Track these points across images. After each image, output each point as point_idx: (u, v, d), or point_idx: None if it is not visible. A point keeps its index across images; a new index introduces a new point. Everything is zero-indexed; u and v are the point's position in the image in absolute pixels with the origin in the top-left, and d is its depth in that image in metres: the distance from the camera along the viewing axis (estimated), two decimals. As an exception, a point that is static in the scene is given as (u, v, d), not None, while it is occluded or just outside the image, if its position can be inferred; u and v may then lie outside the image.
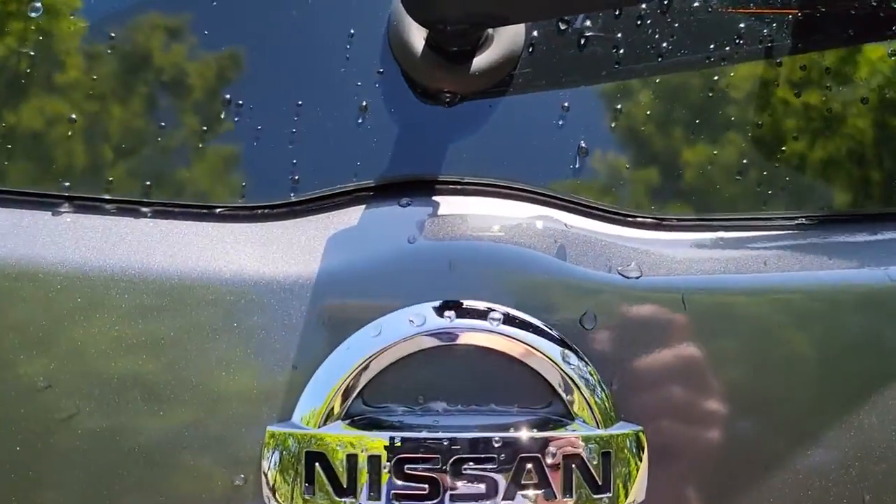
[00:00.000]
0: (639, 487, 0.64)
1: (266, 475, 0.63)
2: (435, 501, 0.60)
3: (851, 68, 0.76)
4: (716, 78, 0.73)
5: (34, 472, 0.64)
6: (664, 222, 0.72)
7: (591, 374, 0.65)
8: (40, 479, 0.64)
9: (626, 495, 0.63)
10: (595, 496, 0.62)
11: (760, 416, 0.67)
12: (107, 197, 0.70)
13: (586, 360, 0.65)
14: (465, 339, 0.64)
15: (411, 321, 0.64)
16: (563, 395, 0.64)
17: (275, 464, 0.62)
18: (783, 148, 0.74)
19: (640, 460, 0.64)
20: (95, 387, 0.64)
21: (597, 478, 0.62)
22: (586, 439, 0.62)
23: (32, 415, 0.64)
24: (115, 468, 0.64)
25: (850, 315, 0.70)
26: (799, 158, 0.74)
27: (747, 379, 0.67)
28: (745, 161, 0.73)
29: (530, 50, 0.71)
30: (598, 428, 0.64)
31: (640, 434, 0.64)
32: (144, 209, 0.69)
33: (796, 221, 0.74)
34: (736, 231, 0.72)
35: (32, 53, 0.71)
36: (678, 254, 0.70)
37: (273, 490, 0.62)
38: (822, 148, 0.75)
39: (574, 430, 0.63)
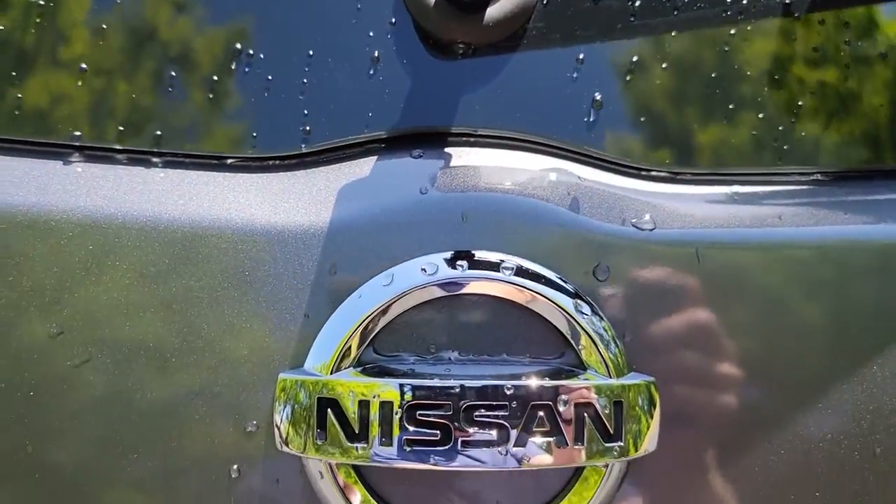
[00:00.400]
0: (650, 438, 0.64)
1: (278, 422, 0.63)
2: (447, 447, 0.60)
3: (870, 22, 0.75)
4: (732, 32, 0.72)
5: (47, 418, 0.64)
6: (679, 176, 0.71)
7: (604, 325, 0.65)
8: (53, 425, 0.64)
9: (638, 445, 0.63)
10: (607, 445, 0.62)
11: (773, 370, 0.67)
12: (118, 147, 0.69)
13: (599, 311, 0.65)
14: (478, 288, 0.64)
15: (424, 270, 0.63)
16: (575, 345, 0.64)
17: (287, 410, 0.62)
18: (800, 103, 0.73)
19: (652, 411, 0.64)
20: (107, 334, 0.64)
21: (609, 427, 0.62)
22: (598, 389, 0.62)
23: (45, 361, 0.64)
24: (126, 415, 0.64)
25: (865, 271, 0.69)
26: (815, 113, 0.73)
27: (760, 333, 0.67)
28: (760, 115, 0.72)
29: (544, 1, 0.70)
30: (611, 378, 0.63)
31: (652, 385, 0.64)
32: (155, 159, 0.69)
33: (812, 177, 0.73)
34: (751, 185, 0.72)
35: (42, 2, 0.70)
36: (693, 207, 0.69)
37: (285, 436, 0.62)
38: (840, 103, 0.74)
39: (586, 380, 0.63)
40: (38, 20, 0.70)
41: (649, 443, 0.64)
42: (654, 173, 0.71)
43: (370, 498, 0.63)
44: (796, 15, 0.73)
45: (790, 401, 0.67)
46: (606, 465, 0.64)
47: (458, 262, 0.64)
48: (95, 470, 0.64)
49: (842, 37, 0.74)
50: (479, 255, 0.65)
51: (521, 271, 0.64)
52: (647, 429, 0.64)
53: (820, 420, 0.67)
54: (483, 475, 0.64)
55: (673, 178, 0.71)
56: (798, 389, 0.67)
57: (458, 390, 0.61)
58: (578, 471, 0.64)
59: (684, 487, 0.67)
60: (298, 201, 0.67)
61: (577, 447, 0.61)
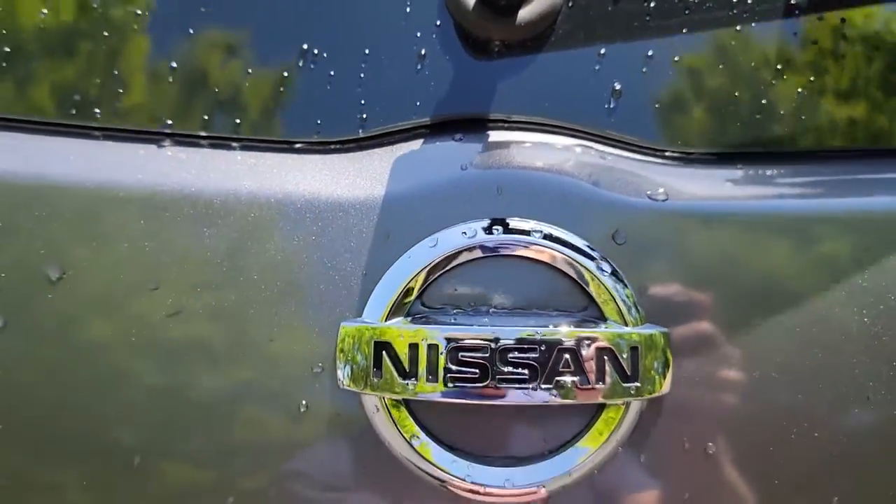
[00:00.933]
0: (664, 381, 0.73)
1: (340, 363, 0.73)
2: (485, 384, 0.70)
3: (875, 10, 0.82)
4: (738, 28, 0.81)
5: (151, 356, 0.75)
6: (690, 156, 0.80)
7: (622, 283, 0.74)
8: (155, 360, 0.75)
9: (653, 386, 0.72)
10: (624, 385, 0.71)
11: (775, 327, 0.75)
12: (202, 133, 0.81)
13: (617, 270, 0.74)
14: (511, 250, 0.73)
15: (464, 234, 0.73)
16: (597, 299, 0.73)
17: (348, 353, 0.73)
18: (806, 85, 0.81)
19: (666, 356, 0.73)
20: (196, 288, 0.75)
21: (626, 369, 0.71)
22: (617, 336, 0.71)
23: (145, 310, 0.75)
24: (212, 357, 0.75)
25: (866, 245, 0.75)
26: (822, 95, 0.81)
27: (764, 294, 0.75)
28: (763, 102, 0.81)
29: (570, 4, 0.80)
30: (628, 327, 0.72)
31: (665, 334, 0.73)
32: (234, 144, 0.81)
33: (815, 157, 0.81)
34: (756, 164, 0.80)
35: (139, 13, 0.82)
36: (702, 182, 0.78)
37: (346, 375, 0.73)
38: (847, 85, 0.82)
39: (606, 328, 0.72)
40: (134, 27, 0.82)
41: (664, 385, 0.73)
42: (667, 153, 0.80)
43: (418, 429, 0.73)
44: (797, 13, 0.82)
45: (792, 357, 0.74)
46: (625, 404, 0.73)
47: (494, 228, 0.74)
48: (185, 401, 0.75)
49: (848, 27, 0.81)
50: (513, 222, 0.75)
51: (548, 236, 0.74)
52: (661, 372, 0.72)
53: (824, 373, 0.75)
54: (515, 410, 0.73)
55: (685, 158, 0.80)
56: (800, 348, 0.75)
57: (494, 336, 0.70)
58: (600, 409, 0.73)
59: (696, 429, 0.75)
60: (357, 178, 0.78)
61: (598, 385, 0.70)
